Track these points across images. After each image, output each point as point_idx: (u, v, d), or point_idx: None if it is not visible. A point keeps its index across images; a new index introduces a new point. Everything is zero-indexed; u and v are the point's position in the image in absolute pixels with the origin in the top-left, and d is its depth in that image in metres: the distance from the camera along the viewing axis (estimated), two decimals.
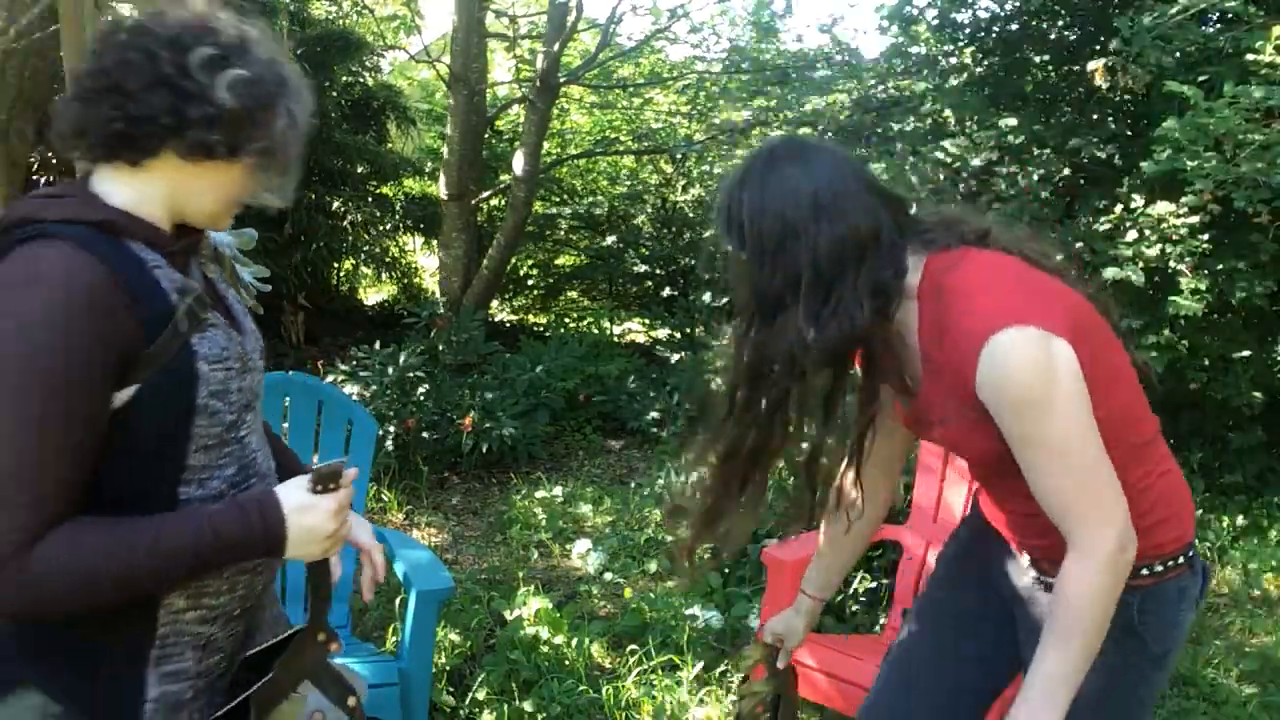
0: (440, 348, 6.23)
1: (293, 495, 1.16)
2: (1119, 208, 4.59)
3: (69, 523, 1.05)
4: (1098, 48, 4.68)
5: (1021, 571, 1.57)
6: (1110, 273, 4.36)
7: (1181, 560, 1.46)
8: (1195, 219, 4.16)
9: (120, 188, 1.14)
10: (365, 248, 8.29)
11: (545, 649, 2.98)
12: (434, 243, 8.51)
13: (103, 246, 1.08)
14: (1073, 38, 5.66)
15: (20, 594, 1.03)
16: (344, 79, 7.79)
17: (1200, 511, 4.51)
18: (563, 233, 10.01)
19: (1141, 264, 4.31)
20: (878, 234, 1.35)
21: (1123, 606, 1.35)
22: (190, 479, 1.16)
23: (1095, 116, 5.05)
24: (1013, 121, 4.92)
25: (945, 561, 1.79)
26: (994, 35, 5.91)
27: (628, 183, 10.08)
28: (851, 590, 3.30)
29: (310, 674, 1.26)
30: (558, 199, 9.97)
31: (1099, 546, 1.31)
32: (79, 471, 1.06)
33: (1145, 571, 1.42)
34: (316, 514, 1.16)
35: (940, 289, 1.37)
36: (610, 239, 9.58)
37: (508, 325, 9.13)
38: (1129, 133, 5.00)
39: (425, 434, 5.04)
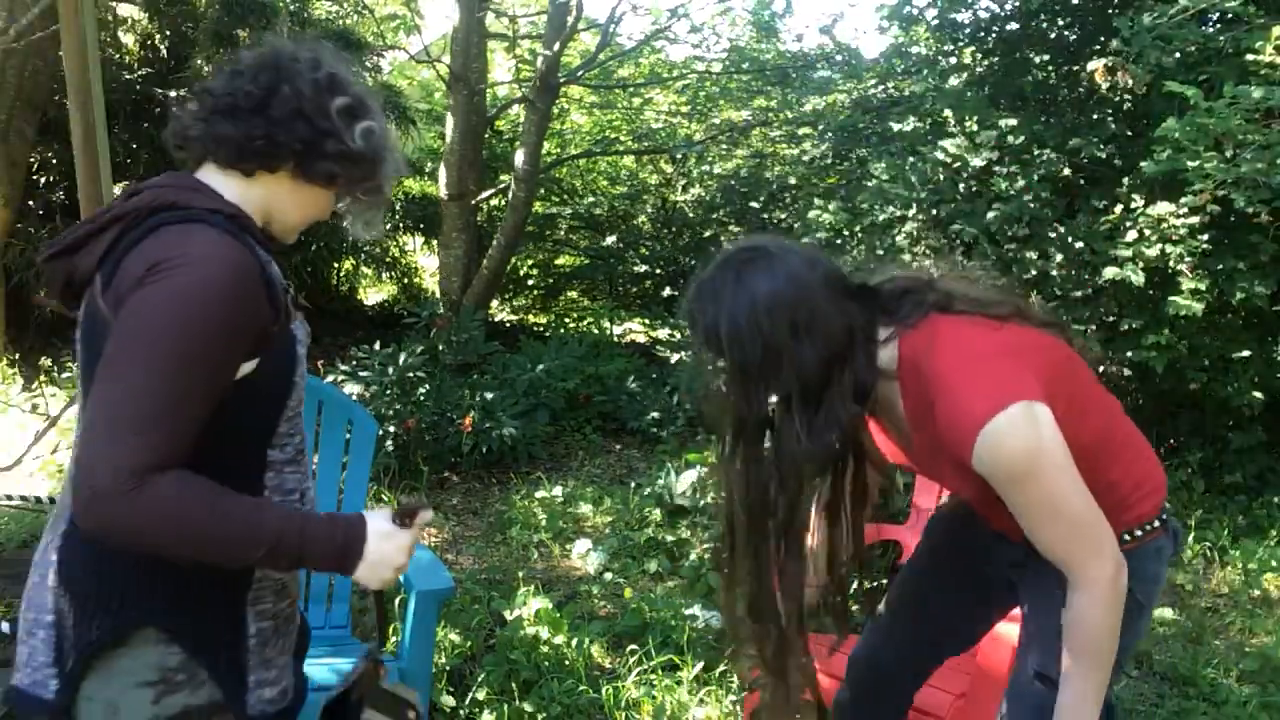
0: (440, 348, 6.23)
1: (378, 522, 1.28)
2: (1119, 208, 4.59)
3: (181, 470, 1.16)
4: (1098, 48, 4.68)
5: (1011, 548, 1.64)
6: (1110, 273, 4.36)
7: (1157, 524, 1.61)
8: (1195, 219, 4.16)
9: (228, 189, 1.31)
10: (365, 248, 8.29)
11: (545, 649, 2.97)
12: (434, 243, 8.51)
13: (241, 237, 1.26)
14: (1073, 38, 5.67)
15: (128, 518, 1.13)
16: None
17: (1200, 511, 4.51)
18: (563, 233, 10.01)
19: (1141, 264, 4.31)
20: (853, 336, 1.46)
21: None
22: (275, 444, 1.32)
23: (1095, 116, 5.05)
24: (1013, 121, 4.93)
25: (932, 534, 1.93)
26: (994, 35, 5.91)
27: (628, 183, 10.08)
28: (851, 590, 3.30)
29: (371, 700, 1.38)
30: (558, 199, 9.97)
31: (1097, 578, 1.44)
32: (200, 423, 1.19)
33: (1128, 537, 1.56)
34: (394, 543, 1.28)
35: (920, 372, 1.48)
36: (610, 239, 9.59)
37: (508, 325, 9.13)
38: (1129, 133, 5.00)
39: (425, 434, 5.04)
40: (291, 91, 1.29)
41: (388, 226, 8.19)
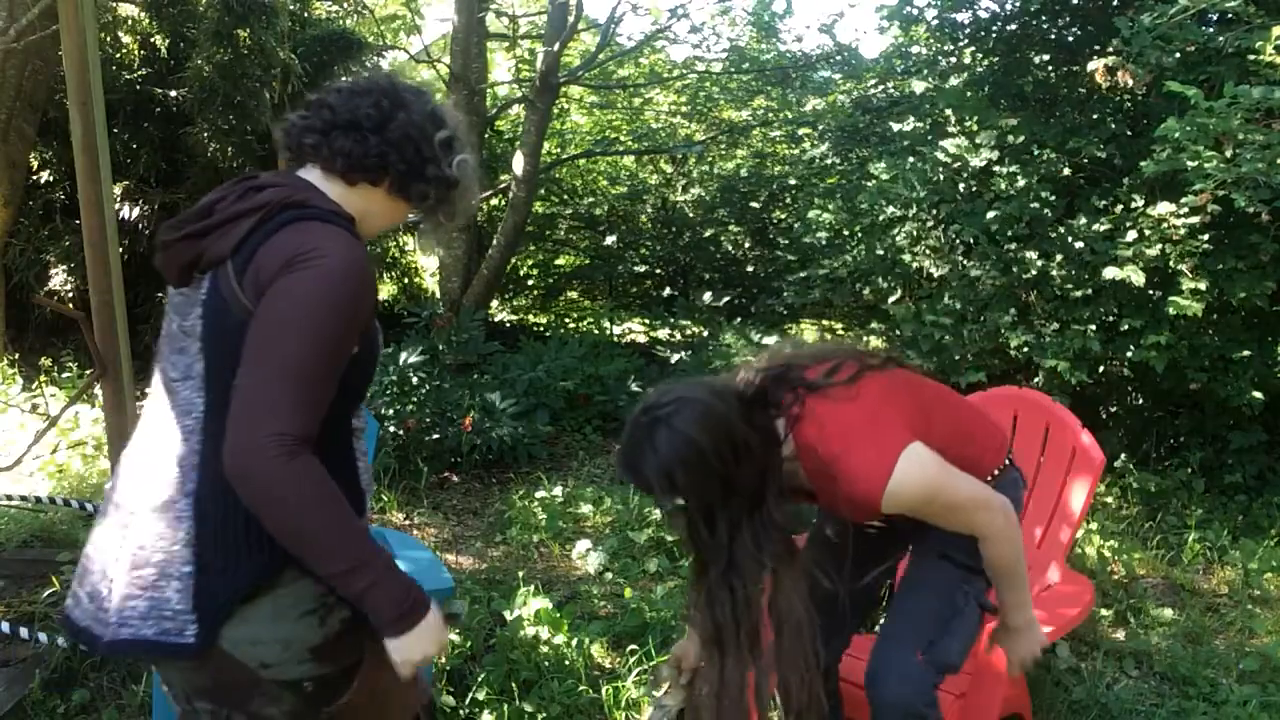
0: (440, 348, 6.23)
1: (437, 612, 1.47)
2: (1119, 208, 4.59)
3: (317, 460, 1.33)
4: (1098, 48, 4.68)
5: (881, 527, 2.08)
6: (1110, 273, 4.36)
7: (1007, 463, 2.06)
8: (1195, 219, 4.16)
9: (331, 191, 1.51)
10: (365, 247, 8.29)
11: (545, 649, 2.97)
12: None
13: (354, 234, 1.46)
14: (1072, 38, 5.66)
15: (270, 476, 1.29)
16: (344, 79, 7.78)
17: (1200, 511, 4.51)
18: (563, 233, 10.01)
19: (1141, 264, 4.31)
20: (768, 445, 1.76)
21: None
22: (356, 412, 1.53)
23: (1095, 116, 5.05)
24: (1013, 121, 4.93)
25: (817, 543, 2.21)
26: (994, 35, 5.91)
27: (628, 183, 10.07)
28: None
29: None
30: (558, 199, 9.97)
31: (997, 526, 1.86)
32: (331, 396, 1.38)
33: (989, 479, 1.97)
34: (439, 635, 1.46)
35: (817, 455, 1.80)
36: (610, 239, 9.58)
37: (508, 325, 9.13)
38: (1129, 133, 5.00)
39: (425, 434, 5.04)
40: (406, 119, 1.51)
41: None
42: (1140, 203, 4.47)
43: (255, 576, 1.39)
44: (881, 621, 2.11)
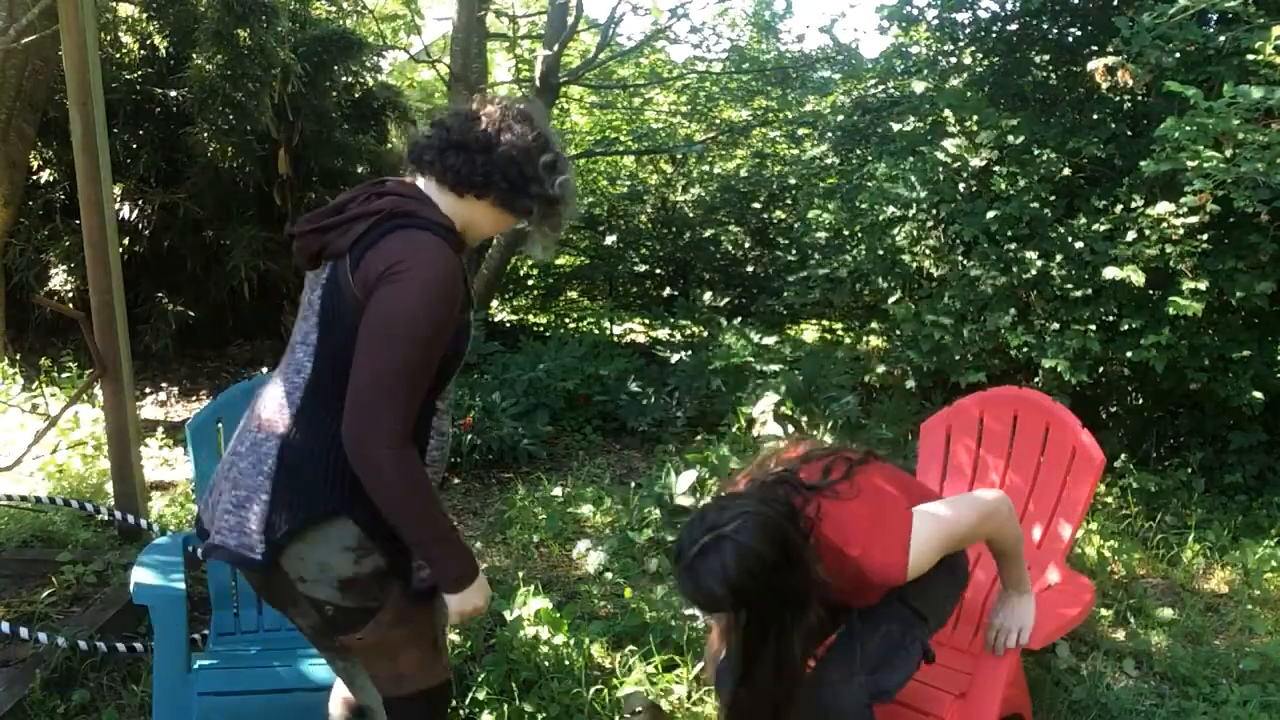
0: None
1: (483, 576, 1.78)
2: (1119, 208, 4.59)
3: (415, 450, 1.66)
4: (1097, 48, 4.68)
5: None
6: (1110, 273, 4.36)
7: None
8: (1195, 219, 4.16)
9: (442, 202, 1.74)
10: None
11: (545, 649, 2.97)
12: None
13: (452, 244, 1.69)
14: (1072, 38, 5.66)
15: (380, 462, 1.61)
16: (344, 79, 7.78)
17: (1200, 511, 4.51)
18: (562, 233, 9.99)
19: (1141, 264, 4.31)
20: (805, 546, 1.90)
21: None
22: (440, 396, 1.77)
23: (1095, 116, 5.05)
24: (1013, 121, 4.92)
25: None
26: (994, 35, 5.91)
27: (628, 183, 10.07)
28: None
29: None
30: None
31: (1001, 525, 2.14)
32: (425, 391, 1.68)
33: None
34: (486, 591, 1.80)
35: (838, 553, 1.99)
36: (610, 239, 9.58)
37: (508, 325, 9.12)
38: (1129, 133, 5.00)
39: None
40: (511, 142, 1.72)
41: None
42: (1140, 203, 4.47)
43: (313, 517, 1.67)
44: (834, 638, 2.23)
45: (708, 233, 9.19)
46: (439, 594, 1.77)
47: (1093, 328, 4.57)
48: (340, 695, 2.06)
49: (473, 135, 1.72)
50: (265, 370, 5.94)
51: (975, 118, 5.14)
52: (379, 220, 1.66)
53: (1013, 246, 4.82)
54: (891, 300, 5.54)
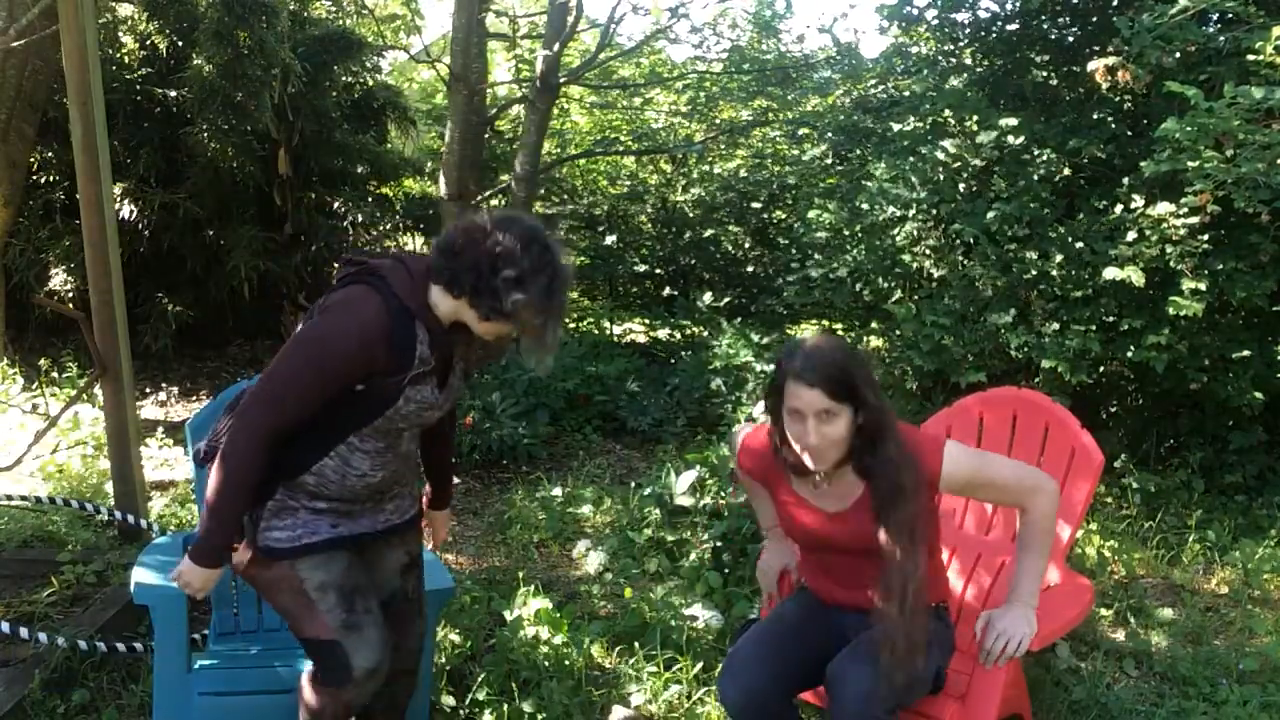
0: None
1: (214, 574, 2.02)
2: (1119, 208, 4.59)
3: (264, 448, 1.90)
4: (1098, 48, 4.68)
5: (854, 617, 2.25)
6: (1110, 273, 4.36)
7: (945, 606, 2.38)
8: (1195, 219, 4.16)
9: (434, 290, 1.96)
10: (366, 248, 8.29)
11: (545, 649, 2.97)
12: (434, 242, 8.49)
13: (396, 311, 1.91)
14: (1072, 38, 5.66)
15: (238, 445, 1.89)
16: (344, 79, 7.79)
17: (1200, 511, 4.51)
18: (563, 233, 9.99)
19: (1141, 264, 4.31)
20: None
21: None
22: (363, 435, 2.01)
23: (1095, 116, 5.04)
24: (1013, 121, 4.92)
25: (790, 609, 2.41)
26: (994, 35, 5.91)
27: (628, 183, 10.07)
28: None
29: None
30: (558, 199, 9.96)
31: (1049, 490, 2.21)
32: (311, 407, 1.92)
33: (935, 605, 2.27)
34: (202, 584, 2.01)
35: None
36: (610, 239, 9.58)
37: None
38: (1129, 133, 5.00)
39: None
40: (476, 252, 1.89)
41: (387, 226, 8.20)
42: (1140, 203, 4.47)
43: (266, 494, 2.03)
44: (859, 639, 2.19)
45: (708, 233, 9.18)
46: (307, 556, 2.02)
47: (1093, 328, 4.56)
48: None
49: (453, 239, 1.94)
50: None
51: (975, 118, 5.14)
52: (356, 271, 1.96)
53: (1013, 247, 4.82)
54: (891, 300, 5.53)
